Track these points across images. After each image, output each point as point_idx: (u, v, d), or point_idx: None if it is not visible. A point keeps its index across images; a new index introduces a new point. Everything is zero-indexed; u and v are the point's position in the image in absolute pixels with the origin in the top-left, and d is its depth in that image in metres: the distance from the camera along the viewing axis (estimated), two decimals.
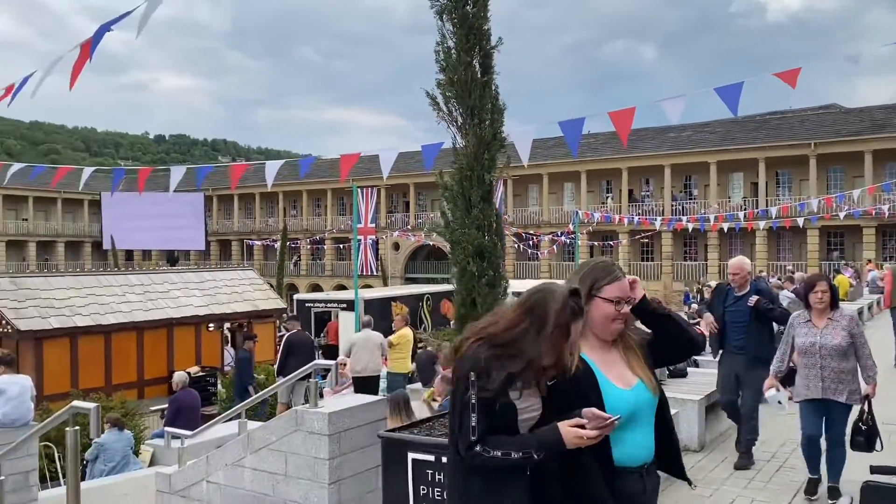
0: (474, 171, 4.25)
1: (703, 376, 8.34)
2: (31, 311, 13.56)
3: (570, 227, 32.75)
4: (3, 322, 13.16)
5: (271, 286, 22.23)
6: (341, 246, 53.97)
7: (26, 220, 57.94)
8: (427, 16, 4.18)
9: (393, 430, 4.46)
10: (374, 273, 30.58)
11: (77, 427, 4.21)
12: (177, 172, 7.28)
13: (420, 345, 15.24)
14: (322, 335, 22.11)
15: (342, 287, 47.42)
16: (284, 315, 17.31)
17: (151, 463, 9.80)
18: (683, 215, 37.26)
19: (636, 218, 31.21)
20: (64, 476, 9.69)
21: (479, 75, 4.19)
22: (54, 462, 10.22)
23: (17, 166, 8.76)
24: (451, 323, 20.29)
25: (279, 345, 14.85)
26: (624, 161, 42.60)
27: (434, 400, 7.41)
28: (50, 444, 10.06)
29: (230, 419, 7.04)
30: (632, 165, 42.75)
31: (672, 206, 41.59)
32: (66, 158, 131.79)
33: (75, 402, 4.36)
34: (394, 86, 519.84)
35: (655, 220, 29.07)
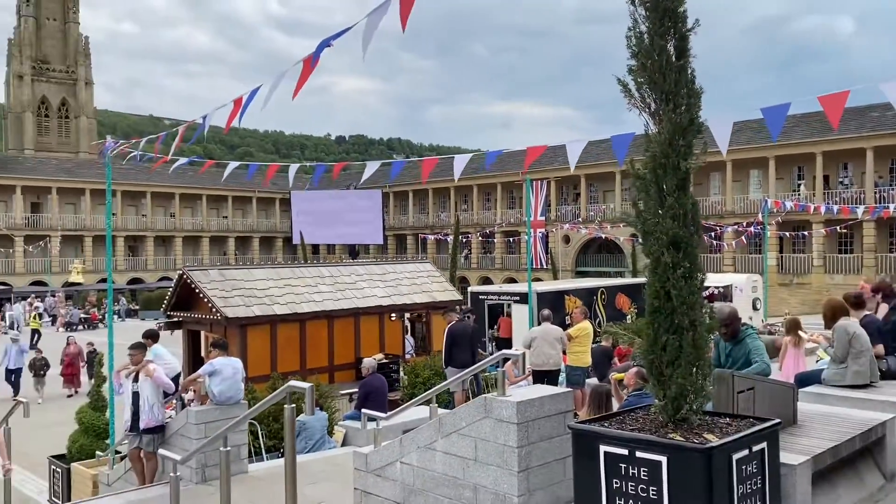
0: (669, 159, 4.11)
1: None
2: (236, 300, 14.90)
3: (759, 216, 30.75)
4: (214, 310, 14.57)
5: (445, 279, 22.85)
6: (510, 239, 54.35)
7: (226, 217, 63.75)
8: (594, 4, 4.10)
9: (584, 422, 4.43)
10: (545, 266, 30.57)
11: (293, 405, 4.59)
12: (371, 167, 7.69)
13: (595, 339, 15.02)
14: (494, 328, 22.42)
15: (512, 280, 47.73)
16: (459, 307, 17.73)
17: (343, 443, 10.45)
18: (890, 203, 33.70)
19: (835, 206, 28.67)
20: (266, 451, 10.58)
21: (674, 59, 4.04)
22: (257, 438, 11.16)
23: (232, 165, 9.63)
24: (628, 317, 19.80)
25: None
26: (818, 145, 39.24)
27: (624, 388, 7.29)
28: (253, 422, 11.01)
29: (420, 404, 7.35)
30: (827, 149, 39.27)
31: (875, 192, 37.73)
32: (258, 160, 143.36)
33: (292, 382, 4.75)
34: (562, 77, 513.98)
35: (857, 208, 26.53)
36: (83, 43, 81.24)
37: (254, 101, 6.45)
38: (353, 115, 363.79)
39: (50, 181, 55.22)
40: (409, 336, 18.19)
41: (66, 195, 55.98)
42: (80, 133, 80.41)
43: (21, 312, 41.60)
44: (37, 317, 35.64)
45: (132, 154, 10.39)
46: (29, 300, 45.77)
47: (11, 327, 36.25)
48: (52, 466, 12.09)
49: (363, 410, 9.37)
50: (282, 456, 7.68)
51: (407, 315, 18.11)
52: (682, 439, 3.81)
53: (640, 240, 4.32)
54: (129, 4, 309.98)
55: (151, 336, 11.29)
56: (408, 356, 17.05)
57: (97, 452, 11.84)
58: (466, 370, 7.07)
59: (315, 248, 64.80)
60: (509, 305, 22.12)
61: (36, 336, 29.90)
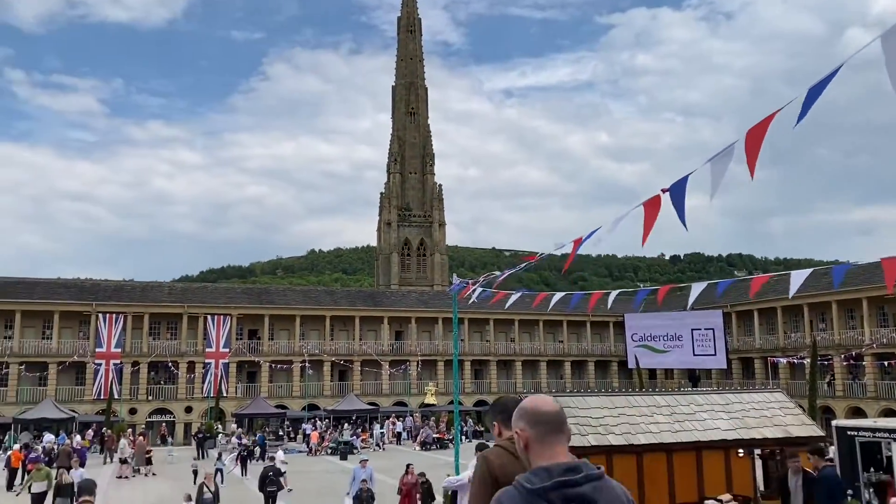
0: None
1: None
2: (571, 428, 14.95)
3: None
4: None
5: (802, 409, 20.29)
6: (885, 363, 46.74)
7: (562, 342, 65.33)
8: None
9: None
10: None
11: None
12: (696, 288, 7.38)
13: None
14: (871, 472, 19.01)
15: (892, 412, 40.61)
16: (823, 444, 15.51)
17: None
18: None
19: None
20: None
21: None
22: None
23: (558, 296, 10.01)
24: None
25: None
26: None
27: None
28: None
29: None
30: None
31: None
32: (592, 284, 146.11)
33: None
34: None
35: None
36: (437, 190, 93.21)
37: (591, 240, 6.69)
38: (687, 233, 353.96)
39: (410, 311, 62.54)
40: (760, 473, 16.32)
41: (423, 324, 62.69)
42: (434, 268, 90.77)
43: (379, 432, 46.57)
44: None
45: (473, 292, 11.39)
46: (391, 419, 51.19)
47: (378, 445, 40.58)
48: None
49: None
50: None
51: (757, 451, 16.35)
52: None
53: None
54: (474, 153, 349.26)
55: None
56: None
57: None
58: None
59: (652, 372, 62.81)
60: (889, 445, 18.71)
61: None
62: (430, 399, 53.00)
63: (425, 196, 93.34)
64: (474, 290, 12.24)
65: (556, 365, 64.99)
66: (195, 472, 26.90)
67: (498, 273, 11.05)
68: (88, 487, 8.56)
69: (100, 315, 51.20)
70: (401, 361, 59.79)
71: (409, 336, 61.92)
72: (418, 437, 45.96)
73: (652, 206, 6.00)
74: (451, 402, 53.24)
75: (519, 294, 11.52)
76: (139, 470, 32.28)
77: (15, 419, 44.24)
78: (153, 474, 31.32)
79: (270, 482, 19.86)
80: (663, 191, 5.87)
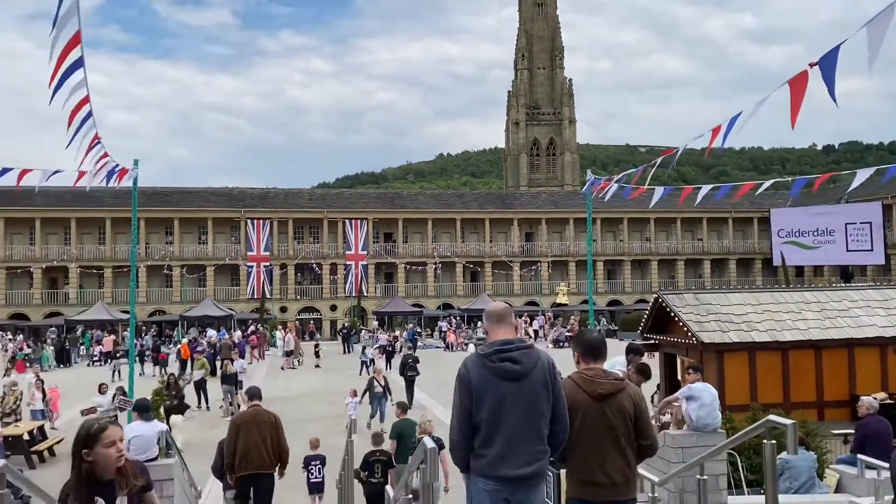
0: None
1: None
2: (712, 324, 14.55)
3: None
4: (689, 334, 14.46)
5: None
6: None
7: (701, 239, 62.95)
8: None
9: None
10: None
11: (773, 441, 4.25)
12: (861, 174, 6.77)
13: None
14: None
15: None
16: None
17: (837, 489, 9.28)
18: None
19: None
20: (748, 486, 10.00)
21: None
22: (737, 470, 10.62)
23: (705, 189, 9.52)
24: None
25: None
26: None
27: None
28: (732, 452, 10.51)
29: None
30: None
31: None
32: (734, 178, 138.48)
33: (771, 417, 4.42)
34: None
35: None
36: (567, 86, 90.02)
37: (734, 127, 6.25)
38: (843, 120, 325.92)
39: (540, 213, 62.16)
40: None
41: (553, 225, 62.26)
42: (564, 167, 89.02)
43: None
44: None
45: (609, 189, 11.04)
46: (523, 318, 52.01)
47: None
48: None
49: (859, 456, 8.18)
50: (763, 493, 7.16)
51: None
52: None
53: None
54: (605, 43, 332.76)
55: (635, 351, 11.63)
56: None
57: None
58: None
59: (799, 270, 59.55)
60: None
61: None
62: (561, 299, 53.18)
63: (554, 93, 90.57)
64: (610, 188, 11.85)
65: (695, 264, 63.00)
66: (364, 364, 28.87)
67: (635, 169, 10.61)
68: (257, 393, 9.34)
69: (248, 221, 54.65)
70: (531, 262, 60.08)
71: (539, 237, 61.83)
72: (550, 336, 46.60)
73: (798, 83, 5.53)
74: (583, 302, 53.27)
75: (663, 191, 10.96)
76: (299, 361, 34.92)
77: (181, 316, 48.91)
78: (316, 366, 33.65)
79: (410, 368, 21.90)
80: (811, 65, 5.39)
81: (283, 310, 55.84)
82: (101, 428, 3.49)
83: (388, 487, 9.05)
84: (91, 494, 3.43)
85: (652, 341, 16.63)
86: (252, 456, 8.48)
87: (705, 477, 5.75)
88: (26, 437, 15.85)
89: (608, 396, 3.90)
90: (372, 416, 18.27)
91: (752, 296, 15.94)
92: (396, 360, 28.94)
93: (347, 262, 55.34)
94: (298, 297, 57.47)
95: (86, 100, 6.86)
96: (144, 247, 52.69)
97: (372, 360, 29.09)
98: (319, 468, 10.77)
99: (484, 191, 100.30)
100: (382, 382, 18.89)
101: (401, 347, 35.28)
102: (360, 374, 27.61)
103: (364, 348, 33.55)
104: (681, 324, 14.71)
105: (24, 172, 8.48)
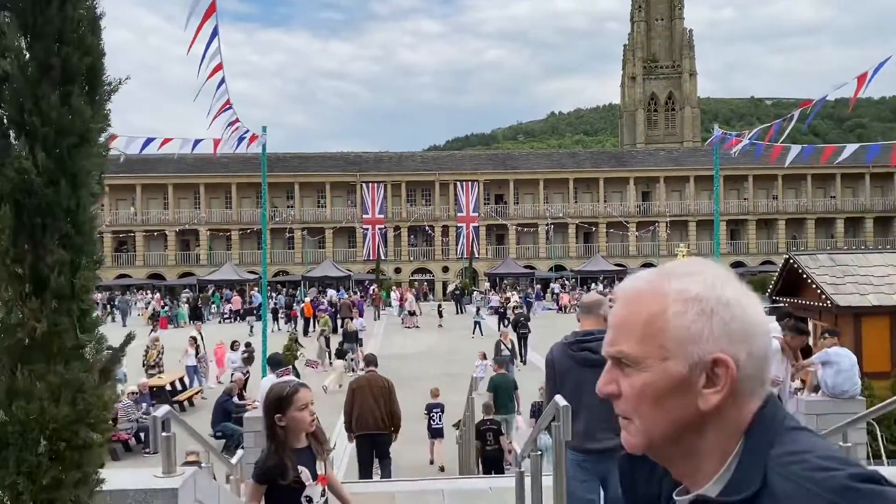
0: None
1: None
2: (848, 287, 13.66)
3: None
4: (823, 297, 13.65)
5: None
6: None
7: (834, 197, 58.90)
8: None
9: None
10: None
11: None
12: None
13: None
14: None
15: None
16: None
17: None
18: None
19: None
20: (888, 456, 9.45)
21: None
22: (875, 440, 10.06)
23: (850, 148, 8.84)
24: None
25: None
26: None
27: None
28: (871, 421, 9.94)
29: None
30: None
31: None
32: (872, 131, 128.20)
33: None
34: None
35: None
36: (687, 37, 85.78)
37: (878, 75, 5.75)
38: None
39: (658, 171, 60.04)
40: None
41: (672, 183, 60.01)
42: (684, 123, 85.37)
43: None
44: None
45: (740, 146, 10.45)
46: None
47: None
48: None
49: None
50: None
51: None
52: None
53: None
54: None
55: (786, 314, 11.10)
56: None
57: None
58: None
59: None
60: None
61: None
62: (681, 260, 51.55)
63: (673, 45, 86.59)
64: (742, 144, 11.18)
65: (826, 223, 59.21)
66: (476, 324, 29.33)
67: (768, 125, 9.96)
68: (374, 360, 10.16)
69: (363, 184, 56.02)
70: (648, 223, 58.38)
71: (657, 196, 59.88)
72: None
73: None
74: None
75: (804, 150, 10.16)
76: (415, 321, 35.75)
77: (303, 276, 51.09)
78: (440, 325, 34.16)
79: (521, 325, 23.75)
80: None
81: (398, 271, 57.17)
82: (293, 390, 3.31)
83: (515, 444, 9.28)
84: (295, 465, 3.23)
85: (780, 304, 15.85)
86: (366, 418, 9.11)
87: (849, 444, 5.46)
88: (168, 387, 17.16)
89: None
90: None
91: (894, 256, 14.82)
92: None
93: (459, 224, 55.75)
94: (412, 258, 58.62)
95: (219, 67, 7.18)
96: (269, 210, 55.22)
97: (477, 323, 29.27)
98: (440, 415, 11.52)
99: (598, 149, 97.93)
100: (509, 346, 19.10)
101: (514, 308, 35.42)
102: (472, 336, 27.93)
103: (478, 309, 33.85)
104: (814, 286, 13.90)
105: (165, 141, 9.02)
